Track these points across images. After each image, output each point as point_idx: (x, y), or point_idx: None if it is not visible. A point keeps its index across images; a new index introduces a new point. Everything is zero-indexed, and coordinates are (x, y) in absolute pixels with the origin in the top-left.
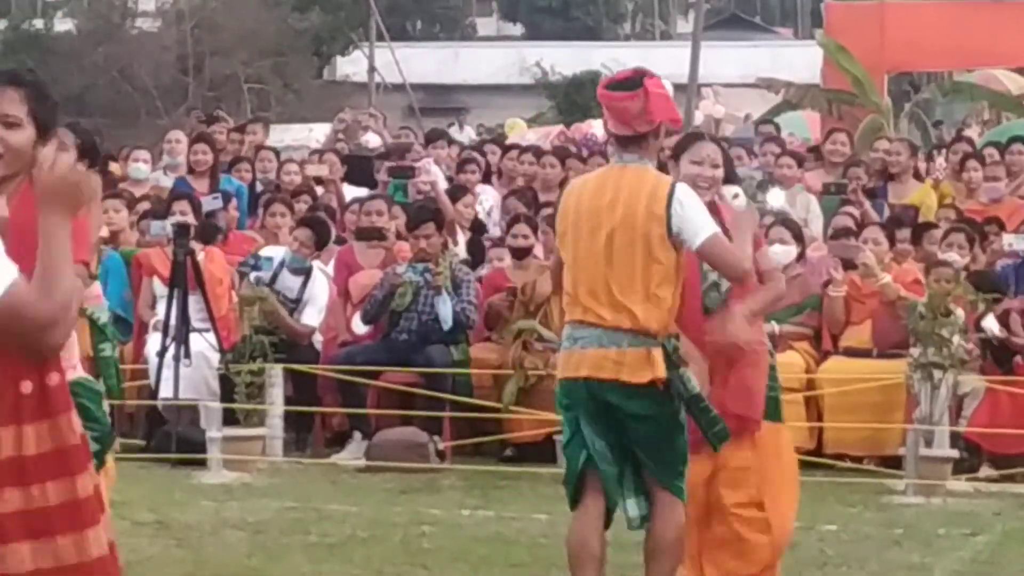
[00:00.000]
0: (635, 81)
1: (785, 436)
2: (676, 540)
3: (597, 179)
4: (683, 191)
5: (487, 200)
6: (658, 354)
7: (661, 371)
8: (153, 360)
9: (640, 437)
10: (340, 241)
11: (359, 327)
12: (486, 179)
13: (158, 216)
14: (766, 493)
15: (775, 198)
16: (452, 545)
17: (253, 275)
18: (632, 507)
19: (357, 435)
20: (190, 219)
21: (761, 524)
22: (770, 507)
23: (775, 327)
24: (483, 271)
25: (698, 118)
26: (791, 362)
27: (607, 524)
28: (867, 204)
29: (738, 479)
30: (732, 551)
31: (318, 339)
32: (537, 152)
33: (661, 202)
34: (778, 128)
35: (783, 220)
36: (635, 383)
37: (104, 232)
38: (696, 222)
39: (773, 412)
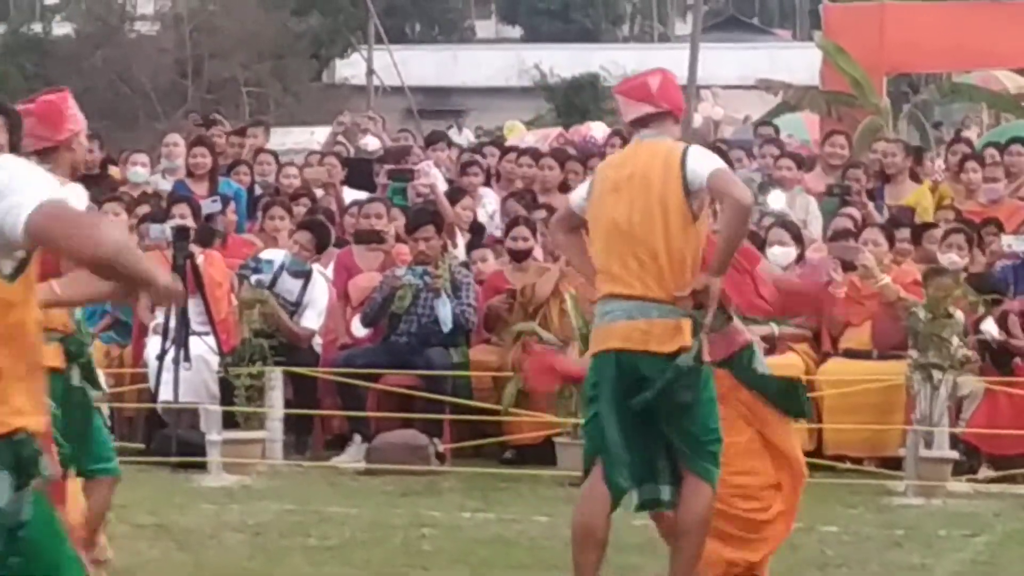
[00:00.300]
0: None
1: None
2: (702, 521)
3: (620, 156)
4: (698, 148)
5: (489, 203)
6: (687, 325)
7: (688, 340)
8: (153, 363)
9: (668, 412)
10: (340, 244)
11: (359, 330)
12: (487, 182)
13: (157, 219)
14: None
15: (775, 200)
16: (452, 547)
17: (253, 278)
18: (666, 492)
19: (357, 438)
20: (189, 222)
21: (766, 520)
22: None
23: (775, 329)
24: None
25: (697, 120)
26: (791, 363)
27: (613, 507)
28: (870, 206)
29: (750, 492)
30: (738, 542)
31: (318, 342)
32: (536, 154)
33: (676, 160)
34: (777, 130)
35: (782, 222)
36: (663, 353)
37: None
38: (707, 160)
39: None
